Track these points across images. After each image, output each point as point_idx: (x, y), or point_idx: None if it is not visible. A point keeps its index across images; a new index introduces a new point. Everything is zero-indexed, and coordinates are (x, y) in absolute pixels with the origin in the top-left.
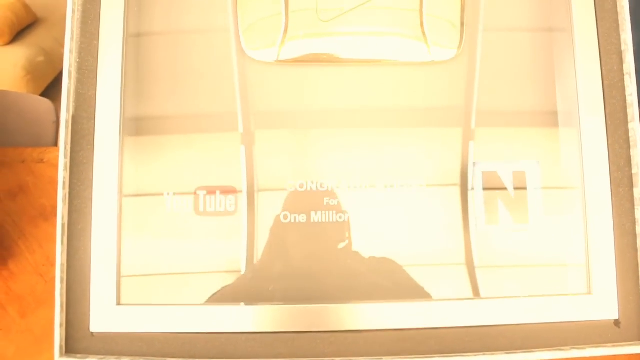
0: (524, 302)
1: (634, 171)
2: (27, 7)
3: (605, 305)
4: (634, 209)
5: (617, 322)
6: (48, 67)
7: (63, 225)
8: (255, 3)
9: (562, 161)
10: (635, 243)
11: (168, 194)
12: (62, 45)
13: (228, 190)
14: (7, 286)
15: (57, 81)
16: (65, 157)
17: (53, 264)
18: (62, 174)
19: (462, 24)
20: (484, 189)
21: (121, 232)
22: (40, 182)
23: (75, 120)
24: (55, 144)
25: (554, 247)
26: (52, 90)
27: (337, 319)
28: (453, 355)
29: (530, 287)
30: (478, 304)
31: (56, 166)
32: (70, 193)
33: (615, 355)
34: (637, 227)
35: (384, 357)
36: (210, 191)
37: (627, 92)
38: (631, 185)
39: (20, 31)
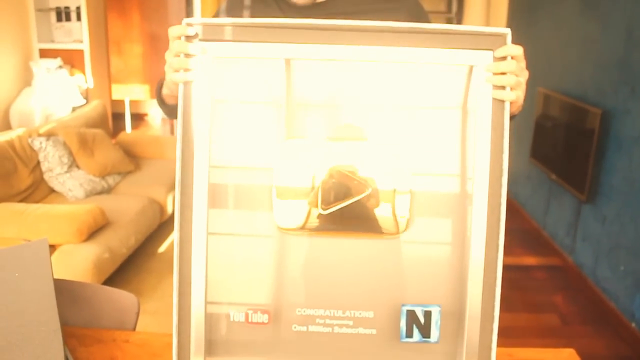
0: None
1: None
2: (102, 212)
3: None
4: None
5: None
6: (110, 262)
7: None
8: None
9: (454, 305)
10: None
11: (232, 311)
12: (124, 245)
13: (264, 311)
14: None
15: (114, 274)
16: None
17: None
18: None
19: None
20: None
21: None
22: (127, 356)
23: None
24: (134, 328)
25: (443, 353)
26: (107, 283)
27: None
28: None
29: None
30: None
31: (138, 346)
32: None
33: None
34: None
35: None
36: (255, 310)
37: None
38: (492, 319)
39: (94, 231)
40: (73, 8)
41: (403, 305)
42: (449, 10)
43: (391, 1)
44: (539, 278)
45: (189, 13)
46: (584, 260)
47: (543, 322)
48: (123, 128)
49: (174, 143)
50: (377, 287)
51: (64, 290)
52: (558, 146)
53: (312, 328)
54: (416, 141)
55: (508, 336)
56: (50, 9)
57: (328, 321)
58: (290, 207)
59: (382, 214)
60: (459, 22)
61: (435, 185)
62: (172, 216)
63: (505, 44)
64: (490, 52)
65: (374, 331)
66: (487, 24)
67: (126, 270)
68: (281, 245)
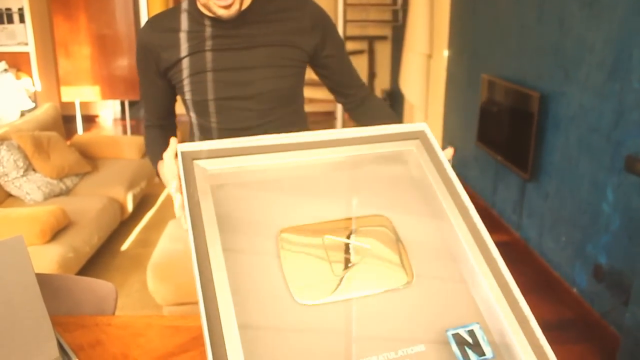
0: None
1: None
2: (64, 212)
3: None
4: None
5: None
6: (74, 262)
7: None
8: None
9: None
10: None
11: None
12: (87, 244)
13: None
14: None
15: (80, 274)
16: None
17: None
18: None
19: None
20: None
21: None
22: (110, 338)
23: None
24: (114, 313)
25: None
26: None
27: None
28: None
29: None
30: None
31: (121, 328)
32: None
33: None
34: None
35: None
36: None
37: None
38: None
39: (57, 232)
40: (15, 10)
41: (447, 330)
42: (394, 2)
43: (295, 10)
44: None
45: (136, 13)
46: (530, 234)
47: None
48: (74, 130)
49: (129, 142)
50: (415, 323)
51: (44, 283)
52: (502, 129)
53: None
54: (392, 208)
55: None
56: None
57: None
58: (306, 282)
59: (388, 268)
60: (404, 12)
61: (423, 235)
62: (132, 214)
63: (426, 135)
64: (417, 140)
65: None
66: (431, 13)
67: (91, 269)
68: (309, 318)
